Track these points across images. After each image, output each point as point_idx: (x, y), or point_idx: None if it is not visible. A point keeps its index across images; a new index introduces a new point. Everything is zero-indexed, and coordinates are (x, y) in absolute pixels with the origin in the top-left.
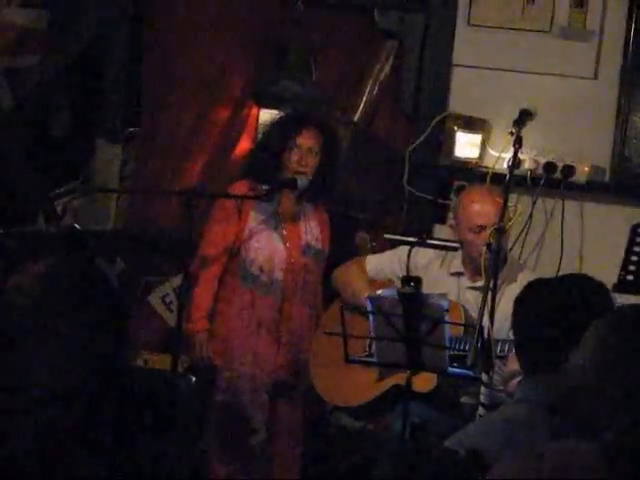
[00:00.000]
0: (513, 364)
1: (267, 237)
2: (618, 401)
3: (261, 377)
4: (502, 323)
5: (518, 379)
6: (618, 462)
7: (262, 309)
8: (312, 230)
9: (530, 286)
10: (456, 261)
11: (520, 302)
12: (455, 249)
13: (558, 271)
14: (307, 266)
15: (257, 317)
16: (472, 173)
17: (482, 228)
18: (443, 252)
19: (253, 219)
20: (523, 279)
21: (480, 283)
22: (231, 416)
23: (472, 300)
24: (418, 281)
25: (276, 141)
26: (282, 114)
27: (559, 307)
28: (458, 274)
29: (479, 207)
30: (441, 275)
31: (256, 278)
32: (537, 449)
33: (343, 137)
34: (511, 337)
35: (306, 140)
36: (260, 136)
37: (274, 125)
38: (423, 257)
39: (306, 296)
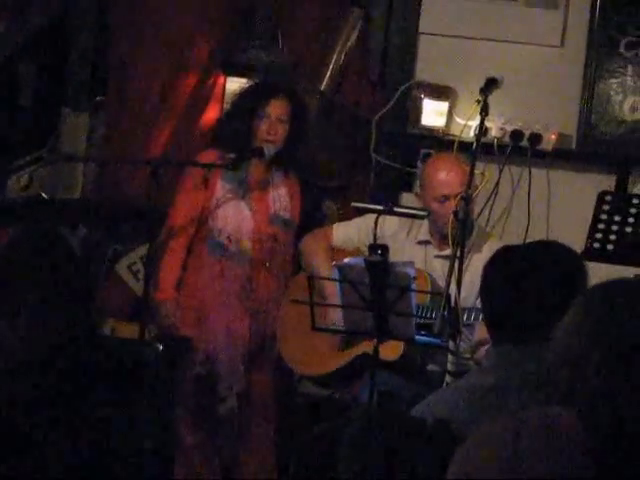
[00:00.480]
0: (481, 332)
1: (235, 206)
2: (595, 368)
3: (235, 347)
4: (469, 291)
5: (486, 347)
6: (593, 425)
7: (231, 279)
8: (281, 199)
9: (498, 253)
10: (423, 229)
11: (488, 269)
12: (423, 217)
13: (525, 239)
14: (275, 235)
15: (227, 287)
16: (439, 141)
17: (447, 198)
18: (409, 221)
19: (221, 188)
20: (489, 247)
21: (447, 251)
22: (203, 386)
23: (439, 268)
24: (385, 249)
25: (245, 110)
26: (250, 83)
27: (528, 274)
28: (425, 242)
29: (444, 176)
30: (408, 243)
31: (225, 247)
32: (512, 416)
33: (310, 105)
34: (478, 305)
35: (275, 109)
36: (228, 105)
37: (243, 94)
38: (390, 226)
39: (275, 266)
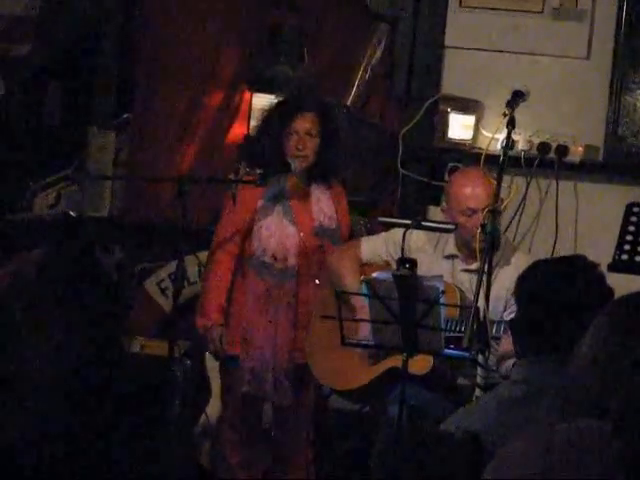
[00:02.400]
0: (506, 345)
1: (277, 223)
2: (626, 380)
3: (281, 363)
4: (496, 305)
5: (511, 360)
6: (625, 436)
7: (278, 297)
8: (324, 210)
9: (529, 268)
10: (450, 243)
11: (519, 283)
12: (450, 231)
13: (553, 252)
14: (322, 247)
15: (273, 305)
16: (466, 155)
17: (473, 211)
18: (436, 235)
19: (261, 207)
20: (517, 261)
21: (474, 265)
22: (250, 404)
23: (466, 282)
24: (413, 263)
25: (273, 128)
26: (277, 99)
27: (556, 288)
28: (452, 256)
29: (470, 190)
30: (435, 258)
31: (270, 266)
32: (542, 430)
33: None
34: (505, 318)
35: (302, 125)
36: (256, 123)
37: (269, 111)
38: (417, 240)
39: (324, 277)
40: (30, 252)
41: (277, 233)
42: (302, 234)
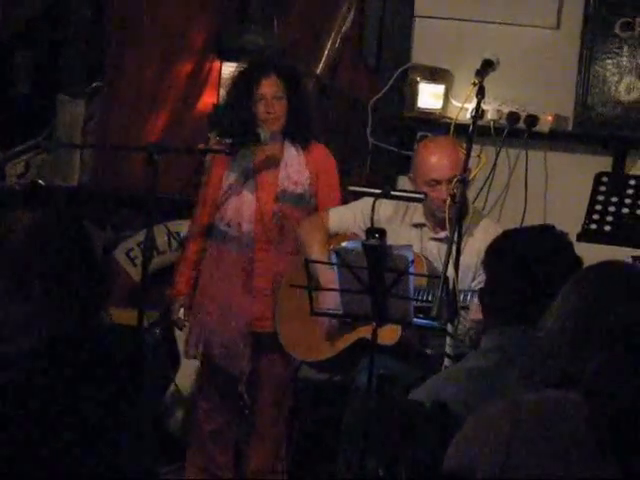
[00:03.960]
0: (475, 314)
1: (236, 191)
2: (594, 348)
3: (237, 329)
4: (464, 274)
5: (473, 329)
6: (595, 405)
7: (231, 263)
8: (290, 175)
9: (498, 238)
10: (418, 212)
11: (488, 254)
12: (420, 200)
13: (522, 221)
14: (283, 212)
15: (226, 271)
16: (435, 124)
17: (437, 182)
18: (404, 204)
19: (227, 178)
20: (484, 228)
21: (442, 234)
22: (226, 373)
23: (435, 251)
24: (382, 233)
25: (239, 96)
26: (240, 68)
27: (524, 259)
28: (420, 225)
29: (435, 161)
30: (403, 227)
31: (225, 233)
32: (509, 400)
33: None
34: (473, 287)
35: (267, 88)
36: (224, 91)
37: (234, 80)
38: (385, 209)
39: (285, 243)
40: (24, 214)
41: (233, 201)
42: (260, 201)
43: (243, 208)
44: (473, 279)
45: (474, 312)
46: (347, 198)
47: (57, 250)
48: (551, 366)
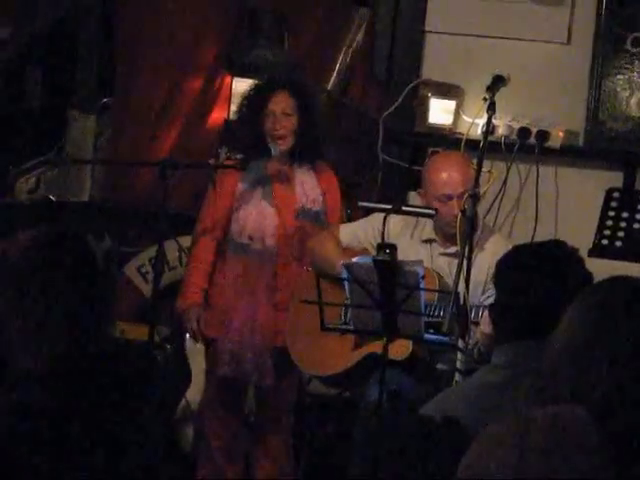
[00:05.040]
0: (485, 327)
1: (255, 204)
2: (603, 364)
3: (263, 344)
4: (475, 289)
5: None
6: (606, 422)
7: (255, 277)
8: (307, 192)
9: (509, 253)
10: (427, 228)
11: (498, 270)
12: (430, 216)
13: (533, 237)
14: (303, 229)
15: (251, 286)
16: (446, 139)
17: (448, 198)
18: (414, 219)
19: (240, 190)
20: (494, 245)
21: (452, 249)
22: (229, 386)
23: (445, 266)
24: (393, 248)
25: (249, 111)
26: (253, 84)
27: (537, 274)
28: (430, 241)
29: (446, 176)
30: (413, 242)
31: (247, 247)
32: (519, 416)
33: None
34: (483, 303)
35: (277, 104)
36: (234, 107)
37: (246, 95)
38: (395, 224)
39: (305, 259)
40: (22, 235)
41: (254, 214)
42: (281, 215)
43: (265, 223)
44: (482, 293)
45: (484, 325)
46: (358, 214)
47: (58, 266)
48: (560, 382)
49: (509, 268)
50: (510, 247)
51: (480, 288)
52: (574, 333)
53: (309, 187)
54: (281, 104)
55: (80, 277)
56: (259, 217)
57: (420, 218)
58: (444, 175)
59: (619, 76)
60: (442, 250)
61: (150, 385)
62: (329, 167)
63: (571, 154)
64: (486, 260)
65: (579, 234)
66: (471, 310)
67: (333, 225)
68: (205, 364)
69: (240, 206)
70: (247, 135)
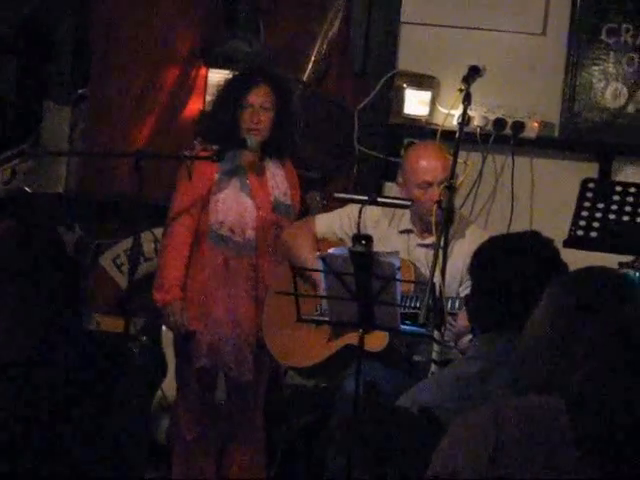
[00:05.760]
0: (463, 321)
1: (234, 196)
2: (577, 355)
3: (244, 337)
4: (451, 280)
5: (470, 336)
6: (581, 413)
7: (236, 269)
8: (279, 186)
9: (484, 244)
10: (405, 219)
11: (473, 260)
12: (406, 207)
13: (509, 228)
14: (278, 222)
15: (232, 278)
16: (422, 130)
17: (429, 185)
18: (391, 210)
19: (217, 181)
20: (471, 235)
21: (429, 240)
22: (206, 379)
23: (422, 257)
24: (369, 239)
25: (228, 102)
26: (232, 74)
27: (513, 265)
28: (407, 231)
29: (426, 163)
30: (390, 233)
31: (227, 239)
32: (492, 406)
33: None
34: (460, 294)
35: (257, 97)
36: (212, 98)
37: (224, 86)
38: (372, 215)
39: (278, 253)
40: None
41: (235, 206)
42: (259, 208)
43: (246, 215)
44: (460, 285)
45: (462, 319)
46: (334, 205)
47: (29, 258)
48: (534, 372)
49: (484, 259)
50: (487, 238)
51: (457, 279)
52: (547, 324)
53: (280, 180)
54: (260, 98)
55: (51, 268)
56: (240, 209)
57: (397, 209)
58: (424, 162)
59: (594, 67)
60: (419, 241)
61: (126, 377)
62: (290, 164)
63: (547, 145)
64: (463, 251)
65: (554, 225)
66: (448, 301)
67: (309, 217)
68: (175, 357)
69: (218, 197)
70: (222, 126)
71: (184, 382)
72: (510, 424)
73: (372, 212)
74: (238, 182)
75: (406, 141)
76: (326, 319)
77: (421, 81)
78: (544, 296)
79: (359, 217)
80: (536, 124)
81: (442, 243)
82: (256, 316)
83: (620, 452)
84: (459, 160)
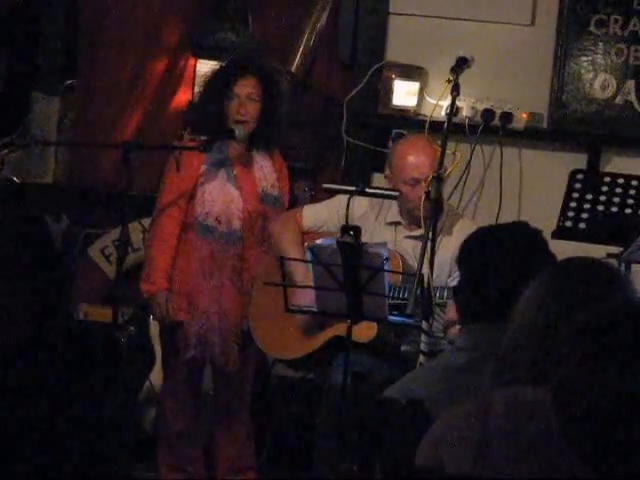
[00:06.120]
0: (452, 312)
1: (220, 187)
2: (564, 346)
3: (229, 327)
4: (440, 271)
5: (458, 327)
6: (567, 403)
7: (222, 260)
8: (267, 177)
9: (472, 235)
10: (392, 210)
11: (461, 251)
12: (394, 198)
13: (497, 218)
14: (266, 213)
15: (218, 268)
16: (410, 121)
17: (417, 181)
18: (379, 201)
19: (204, 171)
20: (460, 227)
21: (418, 232)
22: (194, 370)
23: (410, 249)
24: (357, 230)
25: (215, 92)
26: (219, 65)
27: (501, 256)
28: (395, 223)
29: (413, 160)
30: (378, 224)
31: (214, 229)
32: (479, 397)
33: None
34: (449, 284)
35: (244, 88)
36: (198, 88)
37: (212, 76)
38: (359, 207)
39: (265, 244)
40: None
41: (221, 197)
42: (246, 199)
43: (232, 205)
44: (449, 276)
45: (452, 310)
46: (322, 196)
47: (15, 249)
48: (519, 363)
49: (472, 250)
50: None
51: (446, 270)
52: (533, 314)
53: (268, 171)
54: (247, 89)
55: (38, 258)
56: (225, 200)
57: (385, 201)
58: (411, 159)
59: (583, 58)
60: (407, 233)
61: (114, 367)
62: (279, 155)
63: (535, 136)
64: (452, 242)
65: (543, 216)
66: (436, 292)
67: (297, 208)
68: (161, 348)
69: (204, 187)
70: (210, 117)
71: (171, 373)
72: (496, 415)
73: (360, 203)
74: (225, 173)
75: (394, 132)
76: (314, 309)
77: (409, 72)
78: (529, 286)
79: (347, 208)
80: (524, 115)
81: (430, 234)
82: (241, 306)
83: (606, 443)
84: (447, 151)
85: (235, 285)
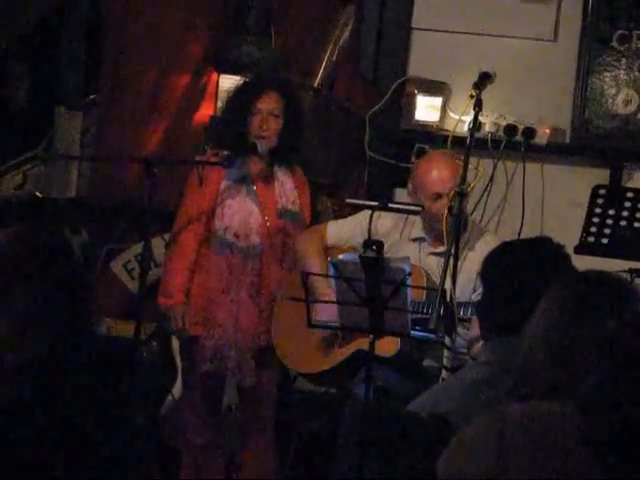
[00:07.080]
0: (476, 329)
1: (240, 202)
2: (589, 359)
3: (245, 342)
4: (464, 287)
5: (482, 342)
6: (593, 417)
7: (240, 275)
8: (287, 193)
9: (496, 249)
10: (417, 227)
11: (484, 266)
12: (417, 213)
13: (520, 234)
14: (285, 229)
15: (235, 284)
16: (433, 136)
17: (439, 196)
18: (403, 218)
19: (224, 186)
20: (484, 244)
21: (442, 249)
22: (211, 384)
23: (434, 265)
24: (380, 245)
25: (237, 108)
26: (241, 80)
27: (524, 271)
28: (419, 239)
29: (436, 175)
30: (402, 241)
31: (232, 244)
32: (495, 413)
33: (303, 102)
34: (473, 300)
35: (266, 104)
36: (221, 103)
37: (234, 92)
38: (384, 223)
39: (285, 260)
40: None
41: (240, 212)
42: (265, 214)
43: (250, 221)
44: (473, 292)
45: (474, 326)
46: (345, 211)
47: (37, 262)
48: (535, 378)
49: (495, 264)
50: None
51: (471, 286)
52: (548, 329)
53: (288, 188)
54: (270, 104)
55: (60, 272)
56: (245, 215)
57: (410, 217)
58: (435, 174)
59: (606, 73)
60: (432, 250)
61: (136, 381)
62: (301, 172)
63: (558, 151)
64: (476, 259)
65: (565, 231)
66: (460, 307)
67: (322, 224)
68: (181, 362)
69: (224, 203)
70: (232, 132)
71: (189, 386)
72: (513, 429)
73: (384, 219)
74: (245, 189)
75: (417, 147)
76: (336, 325)
77: (432, 87)
78: (543, 300)
79: (370, 223)
80: (547, 130)
81: (453, 250)
82: (258, 322)
83: (636, 455)
84: (470, 166)
85: (253, 300)
